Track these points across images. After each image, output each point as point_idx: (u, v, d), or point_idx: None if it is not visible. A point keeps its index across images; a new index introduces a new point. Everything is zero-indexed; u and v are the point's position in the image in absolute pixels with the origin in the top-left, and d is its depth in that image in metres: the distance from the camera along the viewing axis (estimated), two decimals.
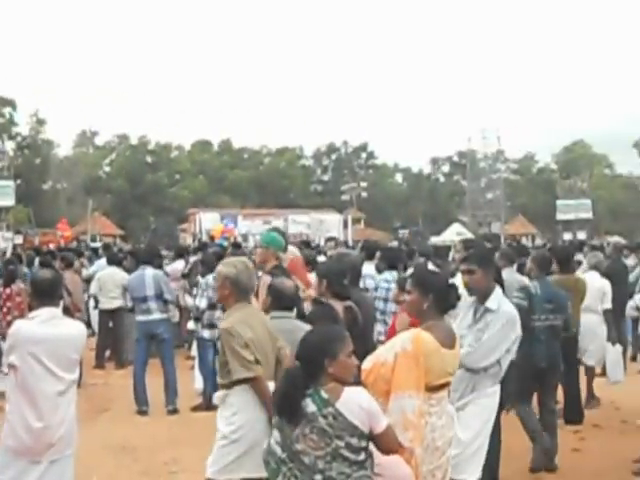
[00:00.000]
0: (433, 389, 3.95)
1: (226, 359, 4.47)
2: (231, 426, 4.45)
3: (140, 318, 9.21)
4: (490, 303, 4.79)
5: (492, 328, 4.67)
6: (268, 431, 4.36)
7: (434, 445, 3.91)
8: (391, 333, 5.20)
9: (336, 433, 3.26)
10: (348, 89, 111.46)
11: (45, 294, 4.65)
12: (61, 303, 7.93)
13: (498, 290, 4.90)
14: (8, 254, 16.21)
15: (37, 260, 13.21)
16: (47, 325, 4.53)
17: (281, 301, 4.95)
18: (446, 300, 4.19)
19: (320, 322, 4.03)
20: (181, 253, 14.02)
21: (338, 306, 5.33)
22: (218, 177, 68.84)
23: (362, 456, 3.32)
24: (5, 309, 8.98)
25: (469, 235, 30.95)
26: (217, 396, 4.65)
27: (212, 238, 23.78)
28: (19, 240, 27.18)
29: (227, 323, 4.55)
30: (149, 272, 9.23)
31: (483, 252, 5.15)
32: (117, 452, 7.29)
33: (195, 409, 8.85)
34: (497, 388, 4.76)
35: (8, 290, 9.15)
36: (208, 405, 8.08)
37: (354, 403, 3.30)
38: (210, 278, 9.23)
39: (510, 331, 4.73)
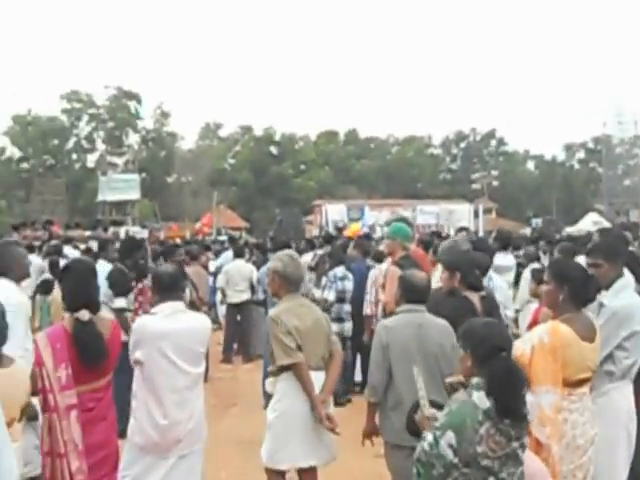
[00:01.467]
0: (573, 384, 3.82)
1: (272, 347, 4.68)
2: (274, 413, 4.70)
3: None
4: (605, 297, 4.51)
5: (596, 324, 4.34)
6: (310, 417, 4.61)
7: (575, 443, 3.77)
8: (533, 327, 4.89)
9: (517, 433, 3.06)
10: (476, 75, 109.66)
11: (167, 288, 4.63)
12: (186, 297, 8.01)
13: (620, 282, 4.58)
14: None
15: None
16: (171, 319, 4.51)
17: (412, 294, 4.66)
18: (583, 293, 4.01)
19: (461, 316, 3.76)
20: (312, 245, 13.90)
21: (474, 298, 5.08)
22: (344, 167, 69.02)
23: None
24: (137, 304, 9.10)
25: (606, 224, 29.65)
26: (268, 382, 4.85)
27: (340, 230, 23.67)
28: (145, 234, 27.89)
29: (274, 312, 4.79)
30: None
31: (609, 243, 4.86)
32: (246, 447, 7.19)
33: None
34: (617, 385, 4.38)
35: (140, 285, 9.28)
36: (336, 401, 7.88)
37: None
38: (338, 271, 9.08)
39: (617, 327, 4.37)
